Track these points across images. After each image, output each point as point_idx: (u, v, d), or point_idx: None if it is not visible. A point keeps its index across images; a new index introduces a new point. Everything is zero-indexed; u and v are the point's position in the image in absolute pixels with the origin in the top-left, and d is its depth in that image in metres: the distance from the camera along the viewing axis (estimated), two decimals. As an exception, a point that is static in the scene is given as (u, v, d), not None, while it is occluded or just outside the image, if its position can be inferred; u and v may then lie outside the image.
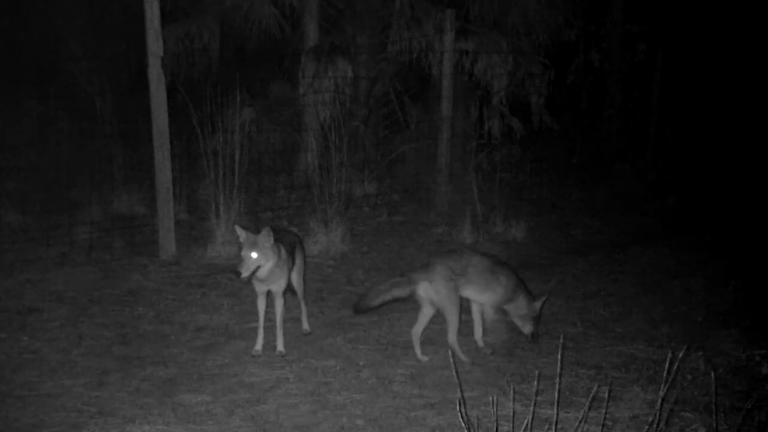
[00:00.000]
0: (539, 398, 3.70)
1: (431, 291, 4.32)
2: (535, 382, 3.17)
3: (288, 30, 9.06)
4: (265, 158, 8.12)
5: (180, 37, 8.79)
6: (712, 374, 3.34)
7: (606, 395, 3.08)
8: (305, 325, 4.80)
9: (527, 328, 4.63)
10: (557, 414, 2.77)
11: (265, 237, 4.20)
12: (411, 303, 5.31)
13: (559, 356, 2.75)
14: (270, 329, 4.55)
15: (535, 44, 9.30)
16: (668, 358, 2.81)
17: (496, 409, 2.79)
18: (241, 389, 4.00)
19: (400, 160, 8.63)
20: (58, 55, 9.18)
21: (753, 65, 11.31)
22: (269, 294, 4.49)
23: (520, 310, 4.58)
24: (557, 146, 9.93)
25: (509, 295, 4.51)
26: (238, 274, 4.19)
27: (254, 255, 4.18)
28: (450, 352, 3.25)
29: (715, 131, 10.80)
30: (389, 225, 7.34)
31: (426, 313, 4.44)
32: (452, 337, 4.37)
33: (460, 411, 2.57)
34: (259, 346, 4.46)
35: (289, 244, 4.53)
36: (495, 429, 2.76)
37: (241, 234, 4.24)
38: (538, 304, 4.63)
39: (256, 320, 4.53)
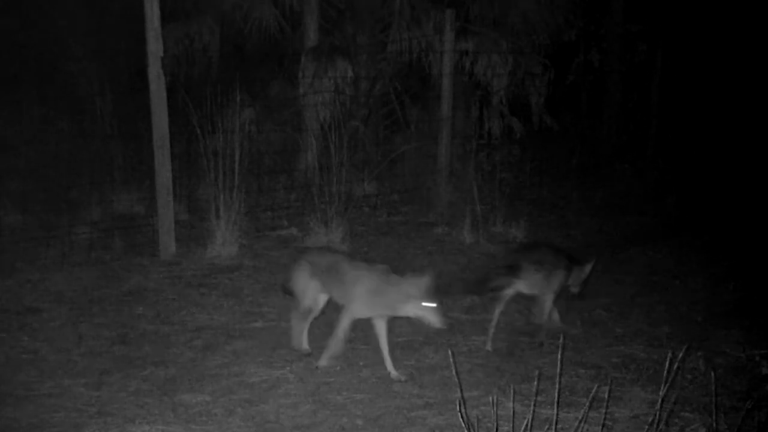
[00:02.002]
0: (539, 398, 3.70)
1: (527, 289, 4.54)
2: (535, 382, 3.17)
3: (288, 30, 9.06)
4: (265, 158, 8.11)
5: (180, 37, 8.79)
6: (712, 374, 3.34)
7: (606, 395, 3.08)
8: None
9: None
10: (557, 414, 2.77)
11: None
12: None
13: (559, 356, 2.75)
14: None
15: (535, 44, 9.30)
16: (668, 358, 2.81)
17: (496, 409, 2.79)
18: (241, 389, 4.00)
19: (400, 160, 8.62)
20: (58, 55, 9.17)
21: (753, 65, 11.30)
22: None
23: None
24: (557, 146, 9.92)
25: None
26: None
27: None
28: (450, 352, 3.25)
29: (715, 131, 10.80)
30: (389, 225, 7.34)
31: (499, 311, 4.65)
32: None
33: (460, 411, 2.57)
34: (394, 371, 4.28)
35: None
36: (495, 429, 2.76)
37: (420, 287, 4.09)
38: None
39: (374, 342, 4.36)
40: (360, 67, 8.74)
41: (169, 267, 5.92)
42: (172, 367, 4.24)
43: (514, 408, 3.38)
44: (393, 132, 9.24)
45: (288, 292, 4.55)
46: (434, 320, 4.04)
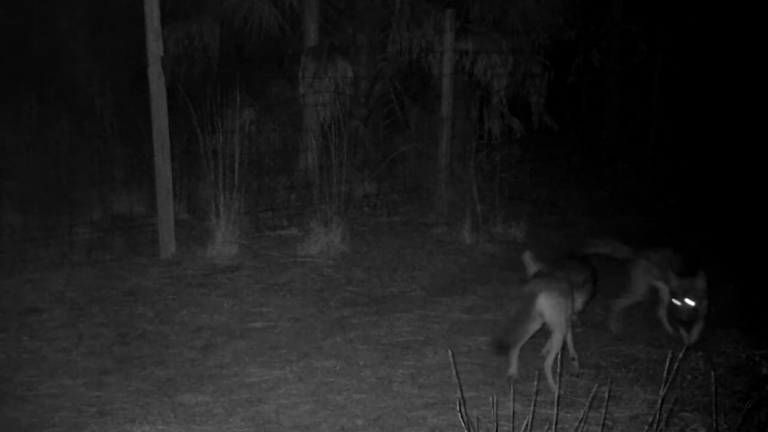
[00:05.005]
0: (539, 398, 3.70)
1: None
2: (535, 382, 3.17)
3: (288, 30, 9.07)
4: (265, 158, 8.11)
5: (180, 37, 8.79)
6: (712, 374, 3.34)
7: (606, 395, 3.08)
8: None
9: None
10: (557, 414, 2.77)
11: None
12: (405, 303, 5.35)
13: (559, 356, 2.75)
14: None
15: (535, 44, 9.30)
16: (668, 358, 2.81)
17: (496, 409, 2.79)
18: (241, 389, 4.00)
19: (400, 160, 8.62)
20: (58, 55, 9.17)
21: (753, 65, 11.31)
22: None
23: None
24: (557, 146, 9.93)
25: None
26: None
27: None
28: (450, 352, 3.25)
29: (715, 131, 10.80)
30: (389, 225, 7.34)
31: None
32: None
33: (460, 411, 2.57)
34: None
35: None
36: (495, 429, 2.76)
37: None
38: None
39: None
40: (360, 67, 8.74)
41: (169, 267, 5.92)
42: (172, 367, 4.24)
43: (514, 408, 3.38)
44: (393, 132, 9.24)
45: (505, 346, 4.05)
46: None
